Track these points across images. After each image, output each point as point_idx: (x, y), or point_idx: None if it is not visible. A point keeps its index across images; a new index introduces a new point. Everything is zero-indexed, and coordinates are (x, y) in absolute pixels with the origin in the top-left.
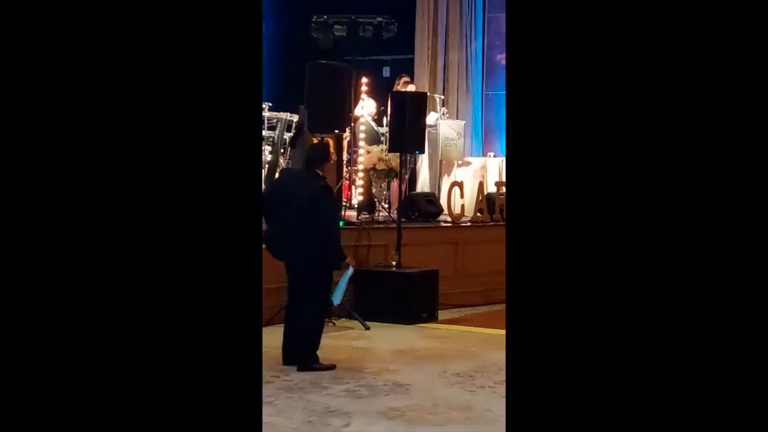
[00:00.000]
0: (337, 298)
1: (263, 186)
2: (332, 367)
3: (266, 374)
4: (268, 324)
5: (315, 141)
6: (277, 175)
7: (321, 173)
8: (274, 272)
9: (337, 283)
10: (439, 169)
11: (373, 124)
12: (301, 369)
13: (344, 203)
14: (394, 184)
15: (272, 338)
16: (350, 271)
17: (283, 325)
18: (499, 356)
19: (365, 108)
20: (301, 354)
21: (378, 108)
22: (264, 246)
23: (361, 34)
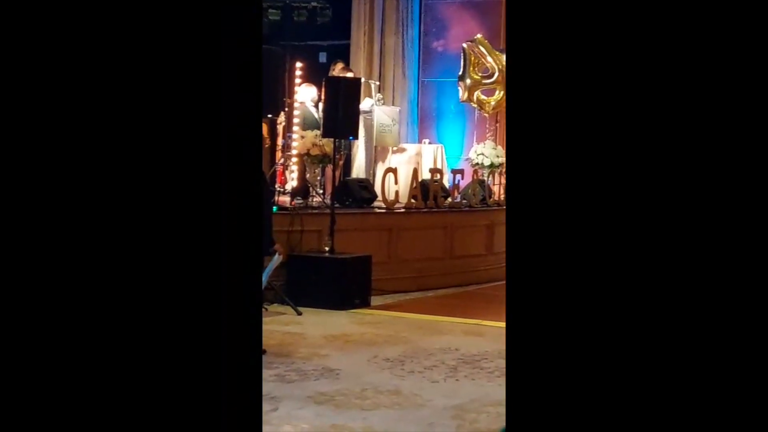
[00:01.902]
0: (262, 282)
1: None
2: (264, 351)
3: None
4: None
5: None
6: None
7: None
8: None
9: (265, 268)
10: (374, 156)
11: (313, 110)
12: None
13: (278, 188)
14: (328, 169)
15: None
16: (277, 257)
17: None
18: (430, 341)
19: (303, 94)
20: None
21: (318, 94)
22: None
23: (295, 18)
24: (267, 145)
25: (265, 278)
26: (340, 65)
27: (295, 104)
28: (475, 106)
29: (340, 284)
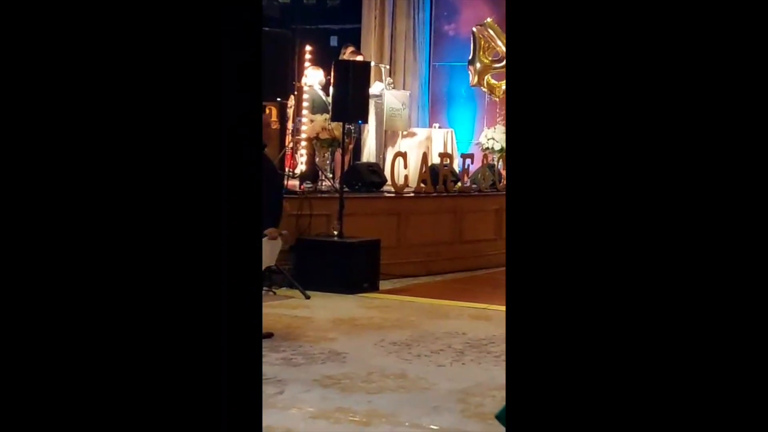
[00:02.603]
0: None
1: None
2: (268, 335)
3: None
4: None
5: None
6: None
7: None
8: None
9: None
10: (384, 140)
11: (321, 93)
12: None
13: (288, 172)
14: (338, 153)
15: None
16: (272, 242)
17: None
18: (437, 325)
19: (311, 77)
20: None
21: (326, 77)
22: None
23: (305, 1)
24: (276, 129)
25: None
26: (350, 49)
27: (304, 88)
28: (486, 90)
29: (348, 268)
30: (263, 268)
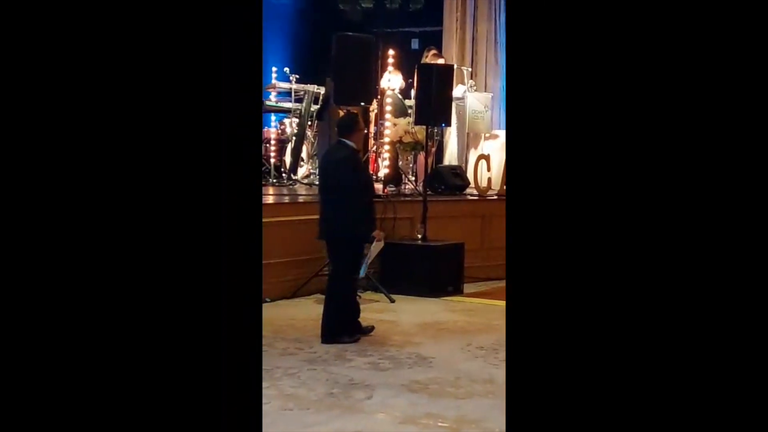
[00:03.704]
0: (362, 270)
1: (290, 159)
2: (358, 339)
3: (290, 346)
4: (295, 296)
5: (355, 111)
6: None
7: (351, 143)
8: (301, 245)
9: (366, 255)
10: (467, 142)
11: (400, 96)
12: (324, 341)
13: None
14: (421, 156)
15: (297, 310)
16: (377, 243)
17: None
18: None
19: (392, 81)
20: (325, 326)
21: (405, 80)
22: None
23: (388, 5)
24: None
25: (365, 265)
26: (432, 52)
27: (387, 92)
28: None
29: (432, 272)
30: (366, 270)
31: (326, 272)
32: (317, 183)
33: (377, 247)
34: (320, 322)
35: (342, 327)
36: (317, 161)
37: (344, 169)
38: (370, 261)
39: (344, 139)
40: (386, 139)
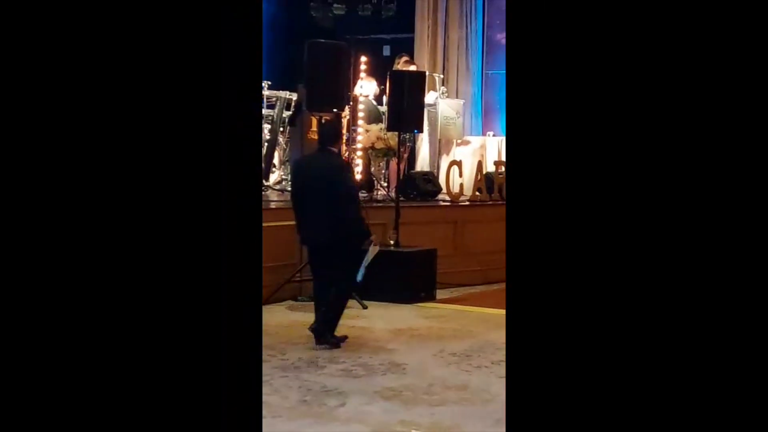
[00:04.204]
0: (359, 275)
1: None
2: (344, 339)
3: (263, 353)
4: (266, 302)
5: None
6: (294, 162)
7: (336, 151)
8: (273, 251)
9: (361, 261)
10: (438, 148)
11: (374, 103)
12: (317, 343)
13: None
14: (393, 162)
15: (269, 317)
16: (374, 248)
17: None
18: (497, 336)
19: (364, 87)
20: (319, 330)
21: (378, 87)
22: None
23: (360, 12)
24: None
25: (362, 270)
26: (404, 58)
27: (360, 98)
28: None
29: (405, 278)
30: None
31: (301, 279)
32: (289, 189)
33: (373, 251)
34: (307, 327)
35: (331, 332)
36: (289, 167)
37: (344, 175)
38: (366, 265)
39: (330, 147)
40: (359, 146)
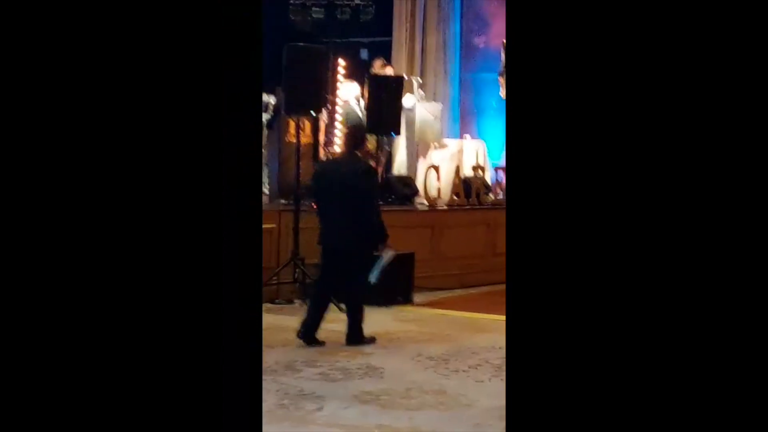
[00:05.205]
0: (374, 277)
1: None
2: (373, 339)
3: None
4: None
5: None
6: (318, 165)
7: (360, 155)
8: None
9: (376, 262)
10: (416, 152)
11: (356, 107)
12: (349, 343)
13: None
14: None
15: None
16: (390, 252)
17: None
18: (474, 340)
19: (345, 91)
20: (351, 332)
21: (361, 90)
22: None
23: (339, 16)
24: (309, 142)
25: (378, 273)
26: (380, 62)
27: (338, 101)
28: None
29: (382, 281)
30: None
31: (278, 282)
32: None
33: (390, 255)
34: (297, 329)
35: (361, 330)
36: (268, 170)
37: (369, 180)
38: (381, 268)
39: (356, 151)
40: (336, 148)
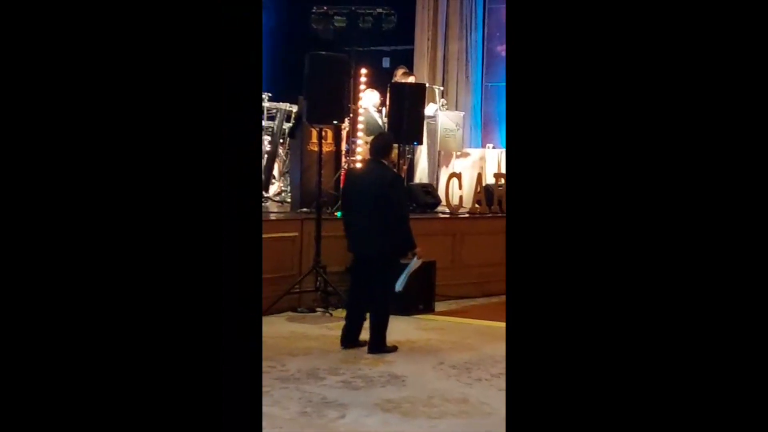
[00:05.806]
0: (400, 285)
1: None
2: (395, 348)
3: (263, 364)
4: (266, 313)
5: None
6: (346, 173)
7: (387, 163)
8: (272, 262)
9: (403, 270)
10: (438, 160)
11: (376, 115)
12: (371, 351)
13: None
14: None
15: (268, 328)
16: (417, 260)
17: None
18: (496, 348)
19: (366, 99)
20: (373, 340)
21: (381, 99)
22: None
23: (361, 25)
24: (332, 151)
25: (404, 281)
26: (401, 70)
27: (360, 110)
28: None
29: (404, 289)
30: (403, 287)
31: (300, 290)
32: (288, 201)
33: (417, 263)
34: (340, 335)
35: (384, 338)
36: (288, 179)
37: (396, 188)
38: (408, 275)
39: (382, 159)
40: (358, 157)
